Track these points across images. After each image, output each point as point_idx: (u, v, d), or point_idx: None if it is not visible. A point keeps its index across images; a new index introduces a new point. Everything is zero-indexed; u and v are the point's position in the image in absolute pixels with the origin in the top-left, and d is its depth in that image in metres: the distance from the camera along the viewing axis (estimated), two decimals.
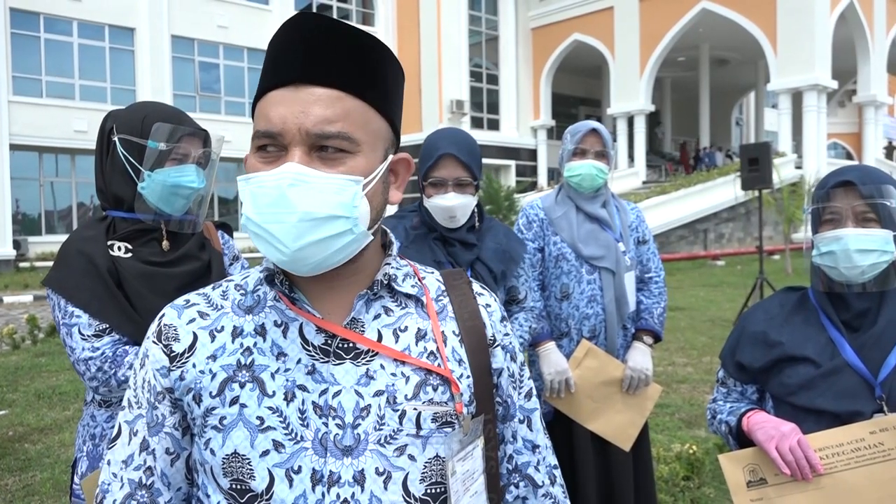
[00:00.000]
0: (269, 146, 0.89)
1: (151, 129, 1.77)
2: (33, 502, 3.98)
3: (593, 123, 2.78)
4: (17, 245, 20.25)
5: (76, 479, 1.80)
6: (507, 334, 1.07)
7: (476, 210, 2.33)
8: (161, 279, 1.77)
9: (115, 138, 1.78)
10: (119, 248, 1.77)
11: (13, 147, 20.33)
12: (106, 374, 1.67)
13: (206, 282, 1.82)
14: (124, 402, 1.00)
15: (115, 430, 0.99)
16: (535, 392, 1.12)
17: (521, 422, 1.08)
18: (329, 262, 0.91)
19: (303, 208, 0.86)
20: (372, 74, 0.93)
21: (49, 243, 20.84)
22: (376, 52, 0.94)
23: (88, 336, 1.69)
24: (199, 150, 1.86)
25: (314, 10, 26.47)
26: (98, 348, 1.68)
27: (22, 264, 19.77)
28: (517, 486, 1.08)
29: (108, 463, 0.98)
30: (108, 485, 0.97)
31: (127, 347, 1.71)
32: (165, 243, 1.83)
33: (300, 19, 0.91)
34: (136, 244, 1.80)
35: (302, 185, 0.86)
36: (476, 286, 1.09)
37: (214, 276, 1.87)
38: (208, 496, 0.93)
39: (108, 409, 1.78)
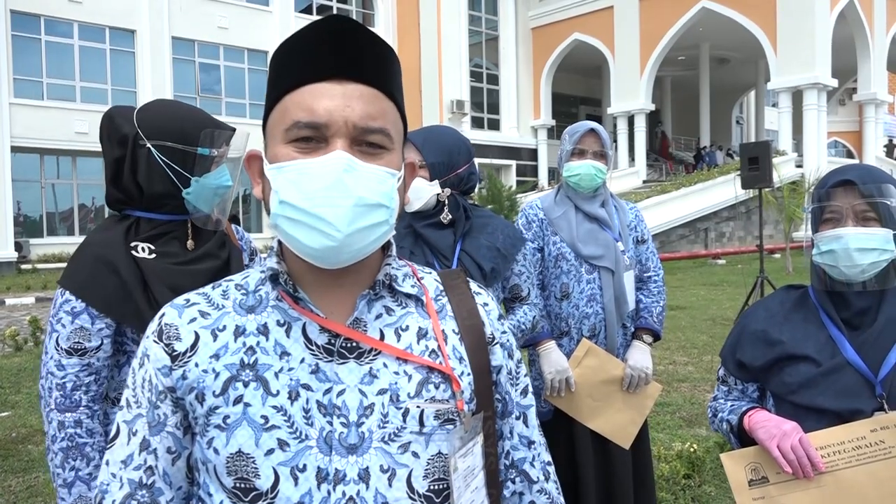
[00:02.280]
0: (310, 137, 0.91)
1: (200, 137, 1.79)
2: (37, 503, 3.99)
3: (591, 124, 2.80)
4: (18, 247, 20.26)
5: None
6: (504, 332, 1.09)
7: (452, 203, 2.26)
8: (186, 278, 1.75)
9: (149, 144, 1.77)
10: (143, 250, 1.77)
11: (14, 149, 20.34)
12: (48, 400, 1.66)
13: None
14: (122, 402, 0.99)
15: (114, 430, 0.99)
16: (530, 389, 1.14)
17: (517, 418, 1.10)
18: (364, 252, 0.93)
19: (357, 193, 0.89)
20: (396, 78, 0.98)
21: (51, 245, 20.86)
22: (396, 59, 0.99)
23: (61, 349, 1.68)
24: (224, 147, 1.88)
25: (314, 10, 26.47)
26: (64, 367, 1.67)
27: (24, 266, 19.78)
28: (514, 482, 1.10)
29: (107, 463, 0.98)
30: (108, 485, 0.97)
31: (91, 382, 1.69)
32: (190, 242, 1.84)
33: (333, 20, 0.93)
34: (159, 244, 1.80)
35: (354, 171, 0.89)
36: (473, 285, 1.11)
37: (234, 273, 1.86)
38: (210, 495, 0.94)
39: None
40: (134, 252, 1.75)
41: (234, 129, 1.89)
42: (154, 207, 1.81)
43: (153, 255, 1.77)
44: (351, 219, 0.88)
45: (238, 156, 1.92)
